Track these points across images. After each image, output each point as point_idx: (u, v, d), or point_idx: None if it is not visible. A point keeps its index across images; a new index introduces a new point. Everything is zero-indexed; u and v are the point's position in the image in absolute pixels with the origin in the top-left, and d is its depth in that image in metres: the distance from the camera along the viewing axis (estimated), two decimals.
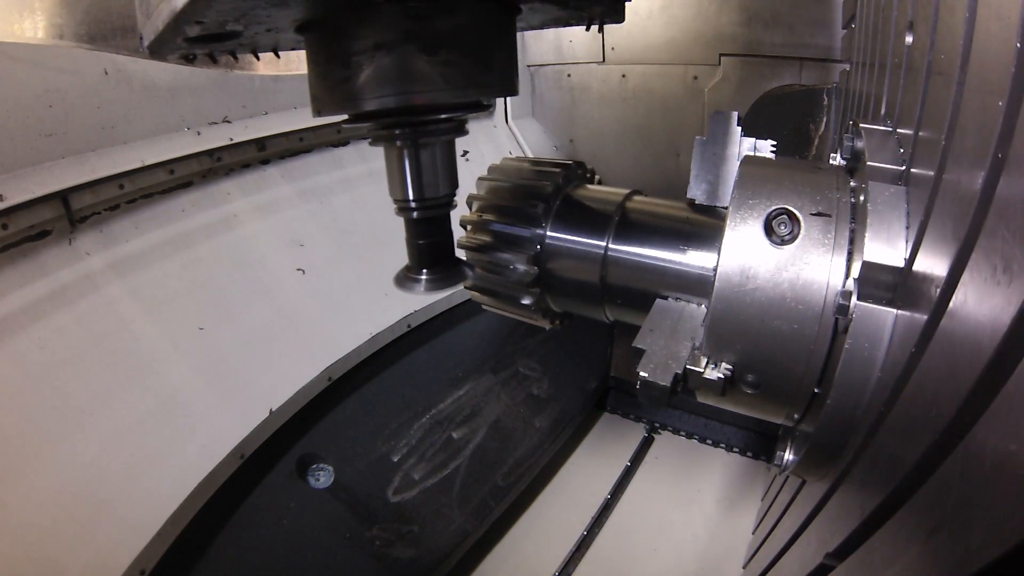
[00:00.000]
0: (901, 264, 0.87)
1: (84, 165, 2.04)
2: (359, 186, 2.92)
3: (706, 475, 3.65)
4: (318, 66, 1.12)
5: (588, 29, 1.33)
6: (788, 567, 1.37)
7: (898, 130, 1.10)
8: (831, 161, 1.30)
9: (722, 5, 3.25)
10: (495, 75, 1.14)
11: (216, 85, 2.47)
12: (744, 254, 1.05)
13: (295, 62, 2.99)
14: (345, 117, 1.18)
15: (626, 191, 1.50)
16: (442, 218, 1.31)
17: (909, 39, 1.04)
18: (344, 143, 2.98)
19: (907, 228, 0.89)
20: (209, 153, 2.42)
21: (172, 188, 2.34)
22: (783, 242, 1.04)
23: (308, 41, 1.13)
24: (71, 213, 2.02)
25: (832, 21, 2.97)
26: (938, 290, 0.66)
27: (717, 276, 1.07)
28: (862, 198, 0.98)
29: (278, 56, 1.29)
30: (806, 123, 3.20)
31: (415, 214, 1.29)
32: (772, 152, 1.31)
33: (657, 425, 4.07)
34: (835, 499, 1.04)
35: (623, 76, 3.71)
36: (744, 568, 2.68)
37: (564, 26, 1.36)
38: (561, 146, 4.08)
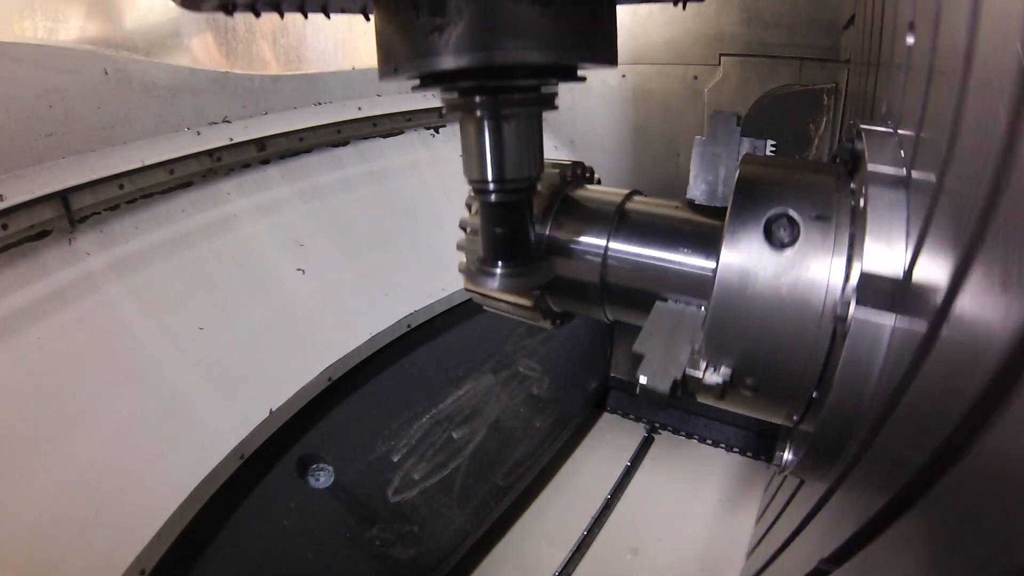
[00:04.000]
0: (900, 274, 0.86)
1: (84, 165, 2.04)
2: (359, 186, 2.92)
3: (706, 475, 3.65)
4: (399, 14, 0.95)
5: (676, 4, 1.23)
6: (784, 567, 1.38)
7: (899, 131, 1.08)
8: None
9: (722, 5, 3.25)
10: (605, 38, 1.00)
11: (216, 85, 2.47)
12: (743, 258, 1.05)
13: (295, 62, 3.00)
14: (416, 83, 1.03)
15: (626, 191, 1.50)
16: (523, 204, 1.18)
17: (910, 40, 1.00)
18: (344, 143, 2.98)
19: (907, 235, 0.88)
20: (209, 153, 2.42)
21: (172, 188, 2.34)
22: (782, 246, 1.03)
23: None
24: (71, 213, 2.02)
25: (832, 21, 2.97)
26: (939, 298, 0.65)
27: (715, 280, 1.06)
28: (862, 203, 0.97)
29: (328, 16, 1.13)
30: (806, 123, 3.20)
31: (493, 197, 1.13)
32: (772, 151, 1.31)
33: (657, 425, 4.07)
34: (832, 502, 1.04)
35: (623, 76, 3.71)
36: (747, 557, 2.69)
37: (650, 1, 1.26)
38: (561, 146, 4.08)
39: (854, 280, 0.94)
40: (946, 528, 0.57)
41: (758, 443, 3.76)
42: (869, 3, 1.90)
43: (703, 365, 1.10)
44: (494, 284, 1.16)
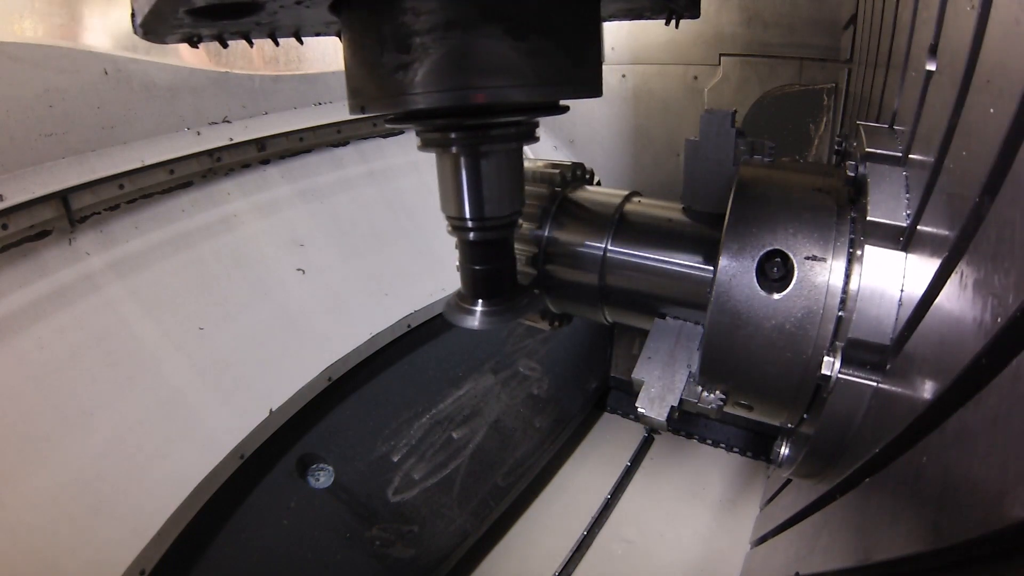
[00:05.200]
0: (887, 342, 0.85)
1: (84, 165, 2.04)
2: (359, 186, 2.92)
3: (706, 475, 3.65)
4: (364, 50, 0.86)
5: (668, 23, 1.13)
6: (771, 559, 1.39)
7: (910, 155, 0.98)
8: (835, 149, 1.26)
9: (722, 5, 3.25)
10: (588, 71, 0.93)
11: (216, 85, 2.47)
12: (734, 299, 1.04)
13: (295, 62, 3.00)
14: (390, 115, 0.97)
15: (625, 192, 1.50)
16: (504, 240, 1.10)
17: (931, 66, 0.89)
18: (344, 143, 2.98)
19: (900, 305, 0.85)
20: (209, 153, 2.42)
21: (172, 188, 2.34)
22: (775, 285, 1.01)
23: (351, 19, 0.88)
24: (71, 213, 2.02)
25: (832, 21, 2.97)
26: (928, 383, 0.63)
27: (708, 319, 1.07)
28: (859, 252, 0.93)
29: (300, 42, 1.05)
30: (806, 123, 3.20)
31: (472, 235, 1.07)
32: (771, 150, 1.28)
33: None
34: (820, 522, 1.06)
35: (623, 76, 3.71)
36: (751, 546, 2.70)
37: (638, 18, 1.15)
38: (561, 146, 4.08)
39: (844, 329, 0.92)
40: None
41: (758, 443, 3.76)
42: (869, 3, 1.90)
43: (699, 390, 1.15)
44: (474, 323, 1.10)
